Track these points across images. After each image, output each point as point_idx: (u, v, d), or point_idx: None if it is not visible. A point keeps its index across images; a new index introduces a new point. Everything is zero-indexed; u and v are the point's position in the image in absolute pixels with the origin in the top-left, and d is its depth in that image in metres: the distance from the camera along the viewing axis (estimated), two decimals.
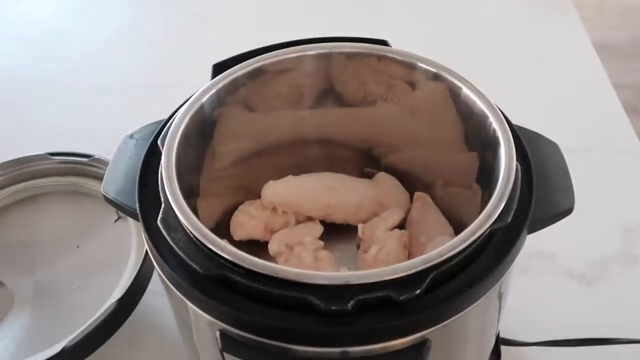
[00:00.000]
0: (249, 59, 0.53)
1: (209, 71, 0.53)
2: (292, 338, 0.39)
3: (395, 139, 0.56)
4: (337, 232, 0.56)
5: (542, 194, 0.44)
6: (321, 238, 0.55)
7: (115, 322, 0.58)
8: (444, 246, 0.38)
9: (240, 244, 0.56)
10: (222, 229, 0.57)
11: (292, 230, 0.56)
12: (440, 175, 0.56)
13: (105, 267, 0.65)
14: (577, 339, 0.58)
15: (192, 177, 0.51)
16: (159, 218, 0.42)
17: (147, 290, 0.61)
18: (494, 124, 0.46)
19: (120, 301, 0.57)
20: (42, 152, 0.71)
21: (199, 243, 0.40)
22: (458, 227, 0.53)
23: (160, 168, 0.45)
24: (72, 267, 0.66)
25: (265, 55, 0.52)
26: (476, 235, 0.39)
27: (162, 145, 0.46)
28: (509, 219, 0.41)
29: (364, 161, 0.59)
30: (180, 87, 0.54)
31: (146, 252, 0.59)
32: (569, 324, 0.61)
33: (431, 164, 0.56)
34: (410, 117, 0.54)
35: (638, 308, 0.64)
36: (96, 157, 0.69)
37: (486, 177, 0.46)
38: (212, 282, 0.40)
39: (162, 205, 0.43)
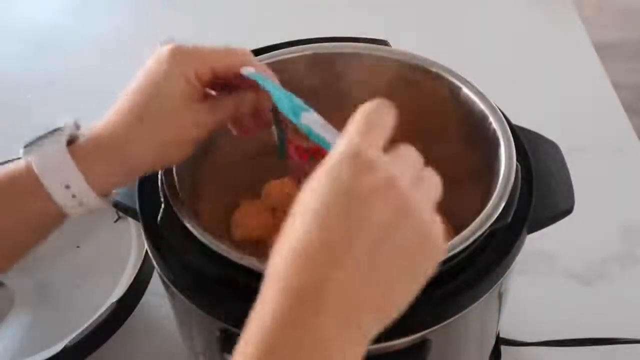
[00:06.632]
0: None
1: None
2: None
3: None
4: None
5: (542, 194, 0.44)
6: None
7: (115, 322, 0.58)
8: None
9: (240, 244, 0.56)
10: (222, 229, 0.57)
11: None
12: (441, 175, 0.55)
13: (105, 267, 0.64)
14: (577, 339, 0.58)
15: (192, 177, 0.51)
16: (159, 218, 0.42)
17: (147, 290, 0.61)
18: (494, 124, 0.46)
19: (120, 301, 0.57)
20: None
21: (199, 243, 0.40)
22: (458, 227, 0.53)
23: None
24: (72, 267, 0.66)
25: (265, 55, 0.52)
26: (476, 235, 0.39)
27: None
28: (509, 219, 0.41)
29: None
30: None
31: (146, 252, 0.59)
32: (569, 324, 0.61)
33: (431, 165, 0.56)
34: (410, 118, 0.54)
35: (638, 308, 0.64)
36: None
37: (486, 177, 0.46)
38: (212, 282, 0.40)
39: (162, 205, 0.43)
